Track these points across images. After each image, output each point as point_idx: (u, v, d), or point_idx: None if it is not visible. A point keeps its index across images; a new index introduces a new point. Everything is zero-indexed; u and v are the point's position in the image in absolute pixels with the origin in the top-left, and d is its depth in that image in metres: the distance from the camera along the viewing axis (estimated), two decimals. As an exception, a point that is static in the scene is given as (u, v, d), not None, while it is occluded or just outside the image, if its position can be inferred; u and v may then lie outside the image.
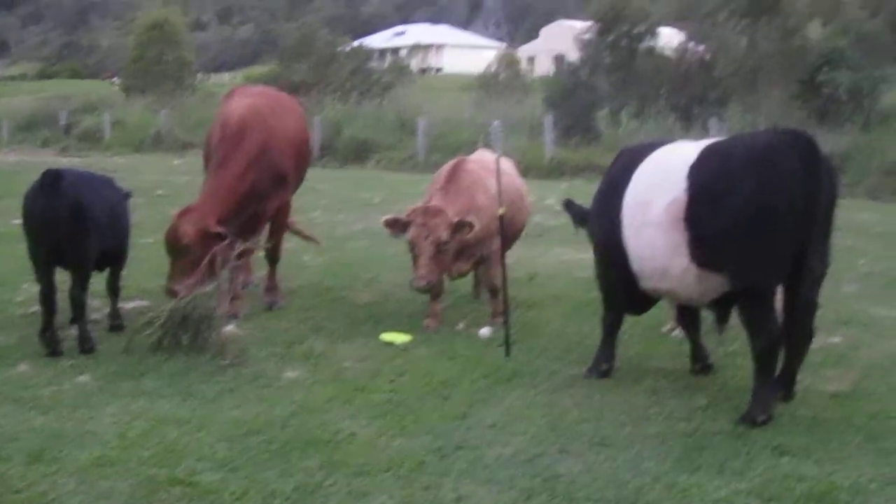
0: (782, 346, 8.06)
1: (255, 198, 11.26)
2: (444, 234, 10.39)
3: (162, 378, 8.91)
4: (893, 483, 6.73)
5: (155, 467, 6.85)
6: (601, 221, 9.21)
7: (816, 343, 8.88)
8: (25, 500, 6.33)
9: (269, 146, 11.36)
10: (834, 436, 7.61)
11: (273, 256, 12.30)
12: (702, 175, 8.07)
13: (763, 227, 7.75)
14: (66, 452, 7.12)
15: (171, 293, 10.37)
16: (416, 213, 10.53)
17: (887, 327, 11.15)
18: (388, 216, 10.76)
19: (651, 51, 41.97)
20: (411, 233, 10.49)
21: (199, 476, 6.70)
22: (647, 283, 8.70)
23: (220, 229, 10.53)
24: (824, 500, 6.42)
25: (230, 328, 10.02)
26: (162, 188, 24.74)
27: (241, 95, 12.40)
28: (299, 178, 12.57)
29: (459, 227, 10.42)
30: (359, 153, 36.40)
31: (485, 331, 10.75)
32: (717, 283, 8.10)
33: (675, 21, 48.53)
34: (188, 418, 7.87)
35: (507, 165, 11.54)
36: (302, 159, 12.32)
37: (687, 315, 9.43)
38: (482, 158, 11.82)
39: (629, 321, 10.96)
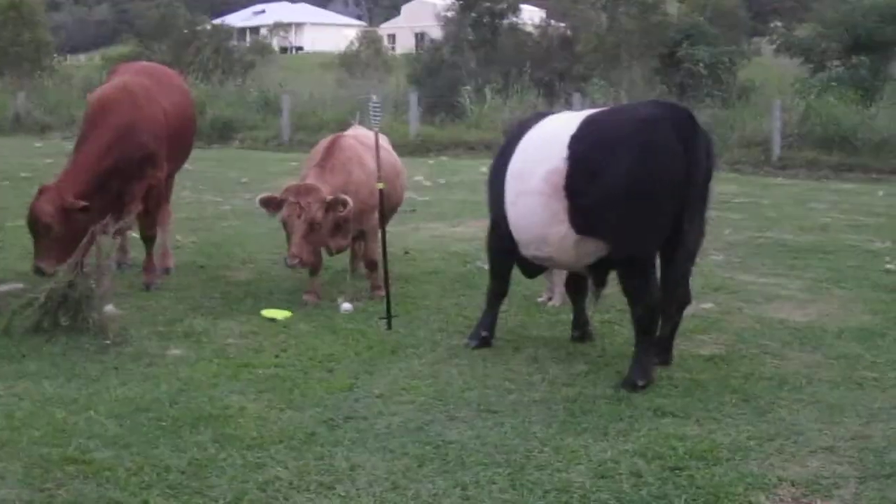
0: (660, 313, 8.30)
1: (119, 176, 11.12)
2: (317, 214, 10.39)
3: (44, 359, 8.84)
4: (770, 439, 7.00)
5: (46, 447, 6.82)
6: (490, 190, 9.35)
7: (689, 310, 9.17)
8: (-89, 486, 6.29)
9: (135, 125, 11.20)
10: (711, 397, 7.87)
11: (147, 236, 12.08)
12: (582, 145, 8.24)
13: (641, 198, 7.95)
14: (-47, 434, 7.08)
15: (38, 271, 10.33)
16: (289, 192, 10.54)
17: (754, 293, 11.52)
18: (264, 195, 10.77)
19: (513, 27, 42.38)
20: (284, 211, 10.48)
21: (91, 454, 6.70)
22: (526, 251, 8.87)
23: (81, 203, 10.45)
24: (706, 457, 6.64)
25: (109, 308, 9.96)
26: (25, 171, 24.31)
27: (120, 73, 12.33)
28: (177, 158, 12.40)
29: (333, 204, 10.44)
30: (223, 133, 36.10)
31: (346, 306, 10.81)
32: (595, 249, 8.30)
33: (536, -2, 49.07)
34: (75, 398, 7.84)
35: (384, 141, 11.63)
36: (180, 138, 12.12)
37: (573, 283, 9.61)
38: (358, 134, 11.90)
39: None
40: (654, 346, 8.35)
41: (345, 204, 10.45)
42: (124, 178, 11.17)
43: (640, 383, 8.07)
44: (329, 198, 10.42)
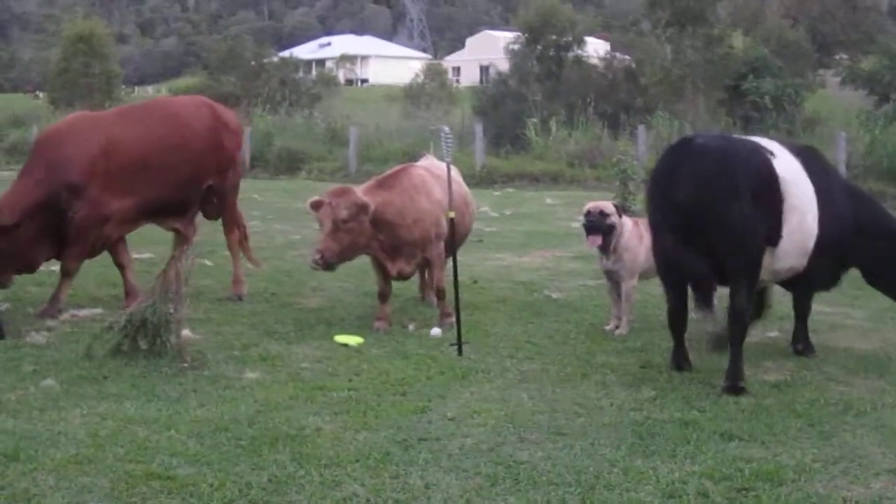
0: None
1: (49, 208, 11.58)
2: (343, 213, 10.63)
3: (124, 381, 9.10)
4: (835, 462, 7.12)
5: (130, 463, 7.05)
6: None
7: (756, 337, 9.38)
8: (9, 497, 6.49)
9: (61, 160, 11.63)
10: (777, 421, 8.01)
11: (65, 269, 12.10)
12: None
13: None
14: (41, 452, 7.29)
15: None
16: (326, 193, 10.93)
17: (819, 322, 11.59)
18: (312, 198, 11.07)
19: (578, 60, 42.53)
20: (319, 211, 10.84)
21: (174, 470, 6.92)
22: None
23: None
24: (772, 478, 6.77)
25: (186, 332, 10.21)
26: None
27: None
28: (138, 195, 12.24)
29: (361, 208, 10.70)
30: (290, 164, 36.53)
31: (435, 331, 11.05)
32: None
33: (601, 31, 49.24)
34: (155, 418, 8.08)
35: (455, 173, 11.86)
36: (145, 170, 12.12)
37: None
38: (430, 164, 12.17)
39: (573, 322, 11.41)
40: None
41: (367, 208, 10.70)
42: (55, 210, 11.61)
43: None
44: (359, 202, 10.69)
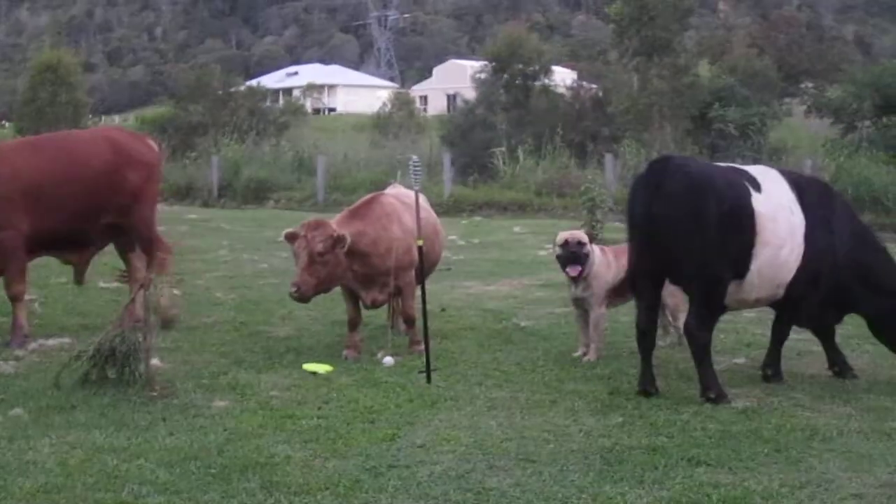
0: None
1: None
2: (319, 246, 10.69)
3: (93, 410, 9.08)
4: (801, 487, 7.17)
5: (100, 492, 7.05)
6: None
7: (723, 364, 9.48)
8: (-23, 527, 6.52)
9: None
10: (744, 447, 8.06)
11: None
12: None
13: None
14: (10, 481, 7.28)
15: None
16: (302, 226, 10.96)
17: (786, 348, 11.61)
18: (287, 230, 11.15)
19: (545, 89, 42.68)
20: (295, 244, 10.91)
21: (144, 499, 6.93)
22: None
23: None
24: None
25: (155, 361, 10.20)
26: (65, 229, 24.73)
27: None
28: (31, 225, 12.14)
29: (337, 241, 10.74)
30: (258, 193, 36.55)
31: (388, 359, 11.07)
32: None
33: (568, 60, 49.45)
34: (125, 447, 8.07)
35: (423, 201, 11.91)
36: (37, 202, 12.11)
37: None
38: (398, 193, 12.23)
39: (542, 350, 11.46)
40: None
41: (344, 241, 10.74)
42: None
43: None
44: (335, 234, 10.73)
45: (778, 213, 9.53)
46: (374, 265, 11.13)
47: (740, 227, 9.36)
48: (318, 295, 11.23)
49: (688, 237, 9.32)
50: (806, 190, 9.98)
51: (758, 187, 9.57)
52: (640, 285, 9.84)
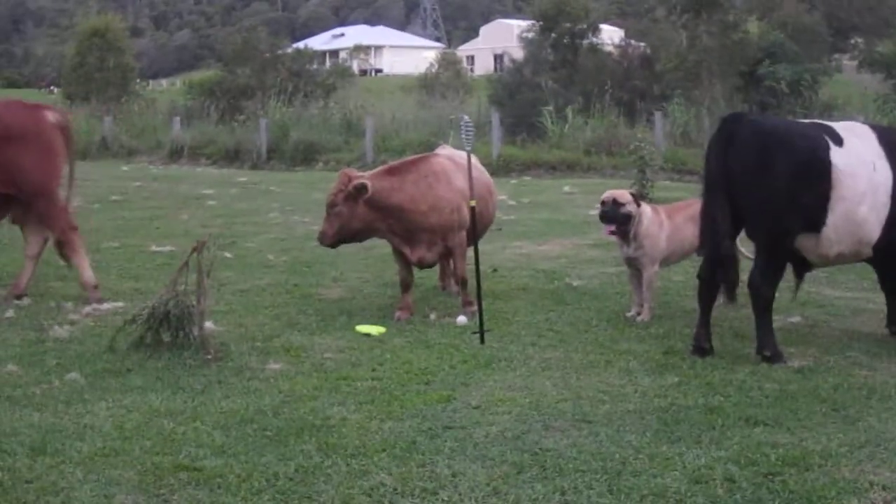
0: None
1: None
2: (330, 197, 11.07)
3: (148, 373, 9.13)
4: (860, 447, 7.11)
5: (157, 455, 7.08)
6: None
7: (779, 322, 9.42)
8: (38, 490, 6.52)
9: None
10: (802, 406, 8.00)
11: None
12: None
13: None
14: (68, 445, 7.32)
15: None
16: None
17: (839, 307, 11.64)
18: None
19: (593, 48, 42.52)
20: None
21: (201, 462, 6.95)
22: None
23: None
24: (798, 463, 6.77)
25: (209, 325, 10.24)
26: (115, 194, 24.91)
27: None
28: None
29: (351, 193, 10.91)
30: (306, 155, 36.59)
31: (461, 318, 11.08)
32: None
33: (615, 18, 49.15)
34: (181, 410, 8.11)
35: (476, 162, 11.90)
36: None
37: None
38: (452, 154, 12.20)
39: (595, 310, 11.42)
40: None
41: (358, 193, 10.89)
42: None
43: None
44: (348, 187, 10.89)
45: (858, 168, 9.42)
46: (415, 221, 11.14)
47: (814, 180, 9.29)
48: (343, 243, 11.52)
49: (757, 189, 9.35)
50: None
51: (839, 142, 9.47)
52: (712, 239, 9.76)
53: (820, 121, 10.62)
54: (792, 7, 54.13)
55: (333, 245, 11.51)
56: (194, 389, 8.67)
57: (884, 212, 9.49)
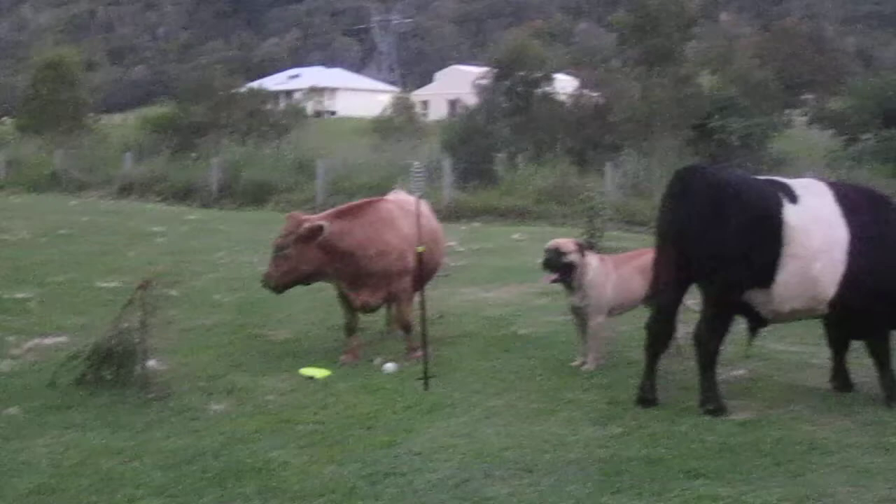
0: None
1: None
2: (279, 240, 11.08)
3: (89, 411, 9.07)
4: (801, 502, 7.15)
5: (95, 495, 7.03)
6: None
7: (723, 376, 9.47)
8: (-30, 527, 6.48)
9: None
10: (744, 460, 8.03)
11: None
12: None
13: None
14: (3, 482, 7.27)
15: None
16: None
17: (784, 361, 11.67)
18: None
19: (547, 96, 42.67)
20: None
21: (139, 503, 6.90)
22: None
23: None
24: (739, 518, 6.80)
25: (152, 363, 10.16)
26: (63, 228, 24.73)
27: None
28: None
29: (299, 237, 10.93)
30: (257, 195, 36.46)
31: (389, 366, 11.06)
32: None
33: (570, 68, 49.41)
34: (121, 448, 8.05)
35: (425, 208, 11.90)
36: None
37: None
38: (399, 199, 12.19)
39: (541, 358, 11.41)
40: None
41: (307, 238, 10.90)
42: None
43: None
44: (297, 231, 10.88)
45: (813, 226, 9.47)
46: (362, 266, 11.15)
47: (765, 236, 9.35)
48: (289, 286, 11.44)
49: (708, 241, 9.40)
50: (855, 203, 9.86)
51: (794, 199, 9.53)
52: (661, 291, 9.83)
53: (776, 177, 10.66)
54: (744, 62, 54.62)
55: (278, 288, 11.42)
56: (135, 428, 8.61)
57: (840, 269, 9.54)
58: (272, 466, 7.70)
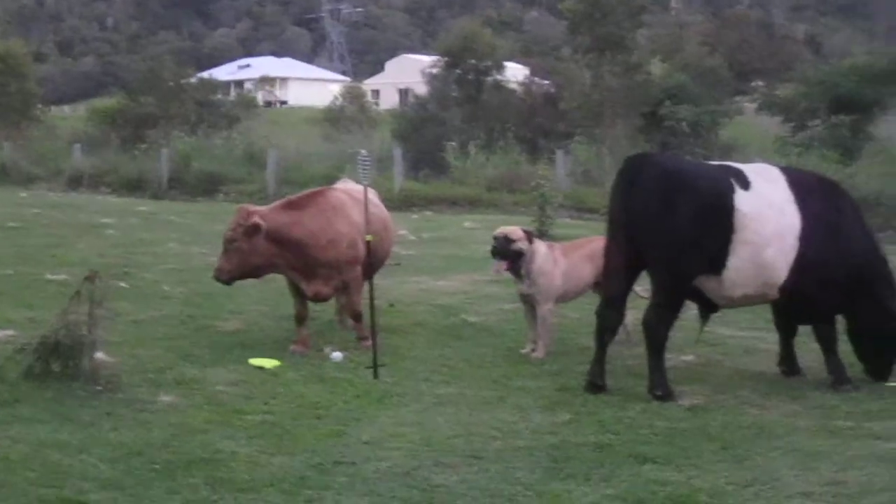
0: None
1: None
2: (229, 233, 11.03)
3: (37, 404, 8.97)
4: (748, 486, 7.19)
5: (43, 488, 6.96)
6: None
7: (672, 361, 9.52)
8: (-84, 522, 6.43)
9: None
10: (691, 444, 8.07)
11: None
12: None
13: None
14: (-50, 475, 7.20)
15: None
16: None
17: (733, 346, 11.75)
18: None
19: (498, 85, 42.73)
20: None
21: (87, 495, 6.85)
22: None
23: None
24: (686, 502, 6.83)
25: (100, 355, 10.09)
26: (13, 221, 24.50)
27: None
28: None
29: (248, 229, 10.89)
30: (208, 186, 36.37)
31: (336, 354, 11.04)
32: None
33: (521, 56, 49.48)
34: (68, 441, 7.98)
35: (373, 196, 11.89)
36: None
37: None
38: (348, 188, 12.17)
39: (491, 346, 11.43)
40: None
41: (254, 230, 10.86)
42: None
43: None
44: (246, 223, 10.86)
45: (765, 212, 9.52)
46: (313, 256, 11.12)
47: (715, 223, 9.41)
48: (241, 279, 11.47)
49: (658, 229, 9.46)
50: (808, 191, 9.94)
51: (746, 185, 9.58)
52: (611, 278, 9.88)
53: (730, 163, 10.70)
54: (694, 50, 54.97)
55: (230, 281, 11.42)
56: (83, 421, 8.54)
57: (792, 255, 9.61)
58: (221, 457, 7.66)
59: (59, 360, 9.79)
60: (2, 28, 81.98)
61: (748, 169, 10.01)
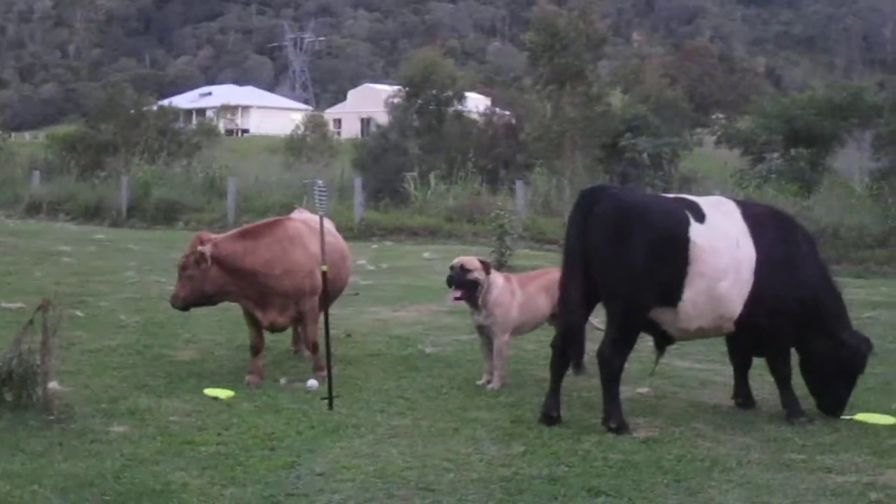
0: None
1: None
2: (182, 260, 11.04)
3: (-13, 434, 8.93)
4: (700, 520, 7.21)
5: (-10, 520, 6.93)
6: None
7: (627, 393, 9.52)
8: None
9: None
10: (645, 477, 8.07)
11: None
12: None
13: None
14: None
15: None
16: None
17: (687, 378, 11.78)
18: None
19: (459, 115, 42.81)
20: None
21: (36, 527, 6.81)
22: None
23: None
24: (637, 536, 6.84)
25: (53, 384, 10.03)
26: (-31, 249, 24.40)
27: None
28: None
29: (198, 258, 10.88)
30: (167, 214, 36.27)
31: (311, 382, 11.02)
32: None
33: (482, 86, 49.63)
34: (19, 472, 7.92)
35: (329, 225, 11.88)
36: None
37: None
38: (305, 218, 12.17)
39: (446, 377, 11.42)
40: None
41: (201, 256, 10.85)
42: None
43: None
44: (196, 251, 10.88)
45: (720, 244, 9.57)
46: (268, 286, 11.10)
47: (670, 256, 9.45)
48: (194, 306, 11.44)
49: (613, 261, 9.48)
50: (763, 223, 9.99)
51: (701, 217, 9.62)
52: (567, 310, 9.88)
53: (685, 196, 10.76)
54: (655, 82, 55.29)
55: (185, 308, 11.40)
56: (34, 451, 8.48)
57: (746, 288, 9.65)
58: (172, 488, 7.61)
59: (11, 390, 9.74)
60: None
61: (703, 202, 10.06)
